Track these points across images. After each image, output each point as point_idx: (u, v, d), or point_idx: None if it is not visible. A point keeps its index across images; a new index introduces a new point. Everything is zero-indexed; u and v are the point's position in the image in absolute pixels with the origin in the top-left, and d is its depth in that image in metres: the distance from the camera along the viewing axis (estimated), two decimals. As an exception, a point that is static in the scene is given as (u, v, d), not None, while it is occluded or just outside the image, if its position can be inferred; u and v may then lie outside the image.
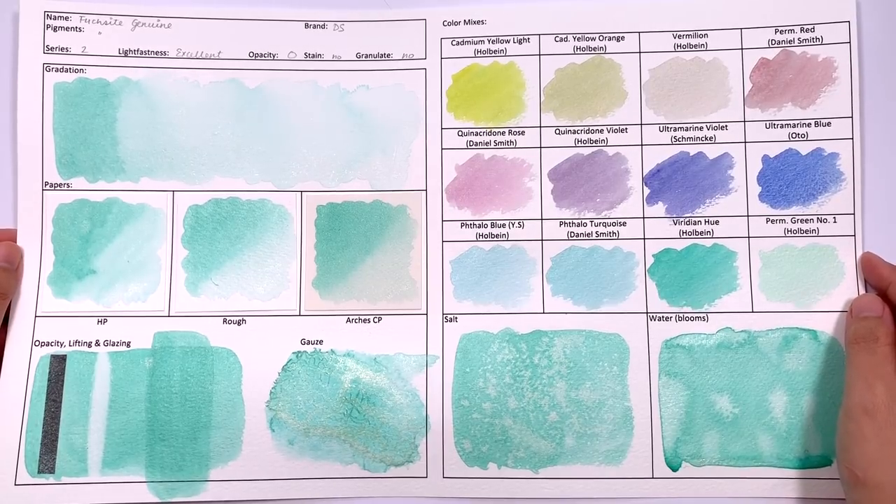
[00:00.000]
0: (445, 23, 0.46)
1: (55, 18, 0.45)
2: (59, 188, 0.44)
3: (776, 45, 0.45)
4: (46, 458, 0.42)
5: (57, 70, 0.45)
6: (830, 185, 0.44)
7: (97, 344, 0.43)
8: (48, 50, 0.45)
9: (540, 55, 0.46)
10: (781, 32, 0.45)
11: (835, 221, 0.44)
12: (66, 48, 0.45)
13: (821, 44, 0.45)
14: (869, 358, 0.39)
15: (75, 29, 0.45)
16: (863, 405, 0.38)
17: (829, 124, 0.44)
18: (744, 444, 0.42)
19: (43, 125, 0.44)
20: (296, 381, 0.43)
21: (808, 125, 0.44)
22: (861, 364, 0.39)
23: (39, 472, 0.42)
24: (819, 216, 0.44)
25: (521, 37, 0.46)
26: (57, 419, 0.42)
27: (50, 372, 0.43)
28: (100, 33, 0.45)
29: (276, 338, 0.44)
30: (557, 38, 0.46)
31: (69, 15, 0.45)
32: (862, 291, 0.43)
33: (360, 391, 0.43)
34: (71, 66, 0.45)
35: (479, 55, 0.46)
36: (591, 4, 0.46)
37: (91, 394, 0.43)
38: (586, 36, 0.45)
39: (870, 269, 0.43)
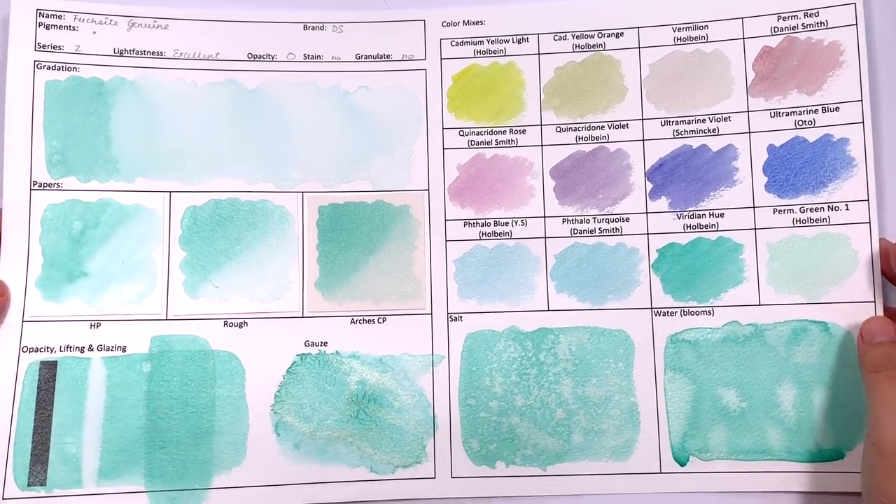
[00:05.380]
0: (445, 23, 0.46)
1: (47, 17, 0.44)
2: (48, 188, 0.43)
3: (779, 33, 0.44)
4: (37, 470, 0.40)
5: (48, 68, 0.43)
6: (841, 172, 0.43)
7: (90, 349, 0.42)
8: (40, 48, 0.43)
9: (539, 54, 0.46)
10: (784, 19, 0.44)
11: (847, 209, 0.43)
12: (59, 46, 0.44)
13: (826, 28, 0.44)
14: (893, 387, 0.37)
15: (69, 28, 0.44)
16: (895, 438, 0.36)
17: (837, 109, 0.43)
18: (752, 438, 0.42)
19: (33, 123, 0.43)
20: (301, 384, 0.42)
21: (816, 111, 0.44)
22: (885, 394, 0.37)
23: (29, 485, 0.40)
24: (830, 204, 0.43)
25: (520, 36, 0.46)
26: (48, 428, 0.41)
27: (39, 379, 0.41)
28: (94, 33, 0.44)
29: (280, 340, 0.43)
30: (556, 37, 0.46)
31: (62, 14, 0.44)
32: (878, 280, 0.42)
33: (367, 392, 0.42)
34: (63, 65, 0.44)
35: (478, 55, 0.46)
36: (590, 2, 0.46)
37: (85, 401, 0.41)
38: (585, 34, 0.46)
39: (886, 258, 0.41)
